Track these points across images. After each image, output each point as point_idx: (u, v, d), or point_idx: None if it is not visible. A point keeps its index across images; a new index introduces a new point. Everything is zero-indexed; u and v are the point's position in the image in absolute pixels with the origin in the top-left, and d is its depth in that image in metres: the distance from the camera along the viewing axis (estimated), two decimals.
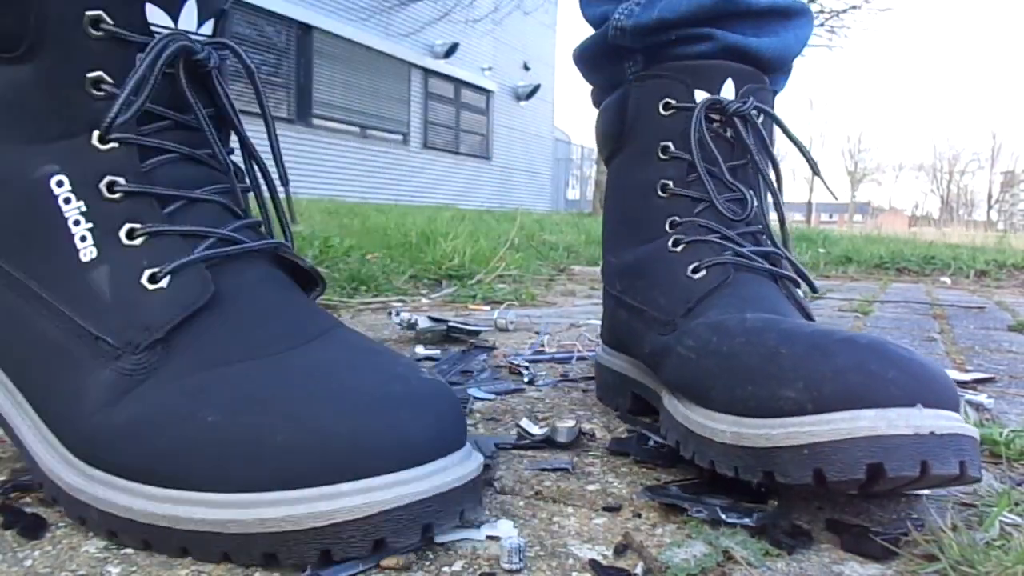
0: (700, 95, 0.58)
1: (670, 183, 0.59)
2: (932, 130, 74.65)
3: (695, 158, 0.57)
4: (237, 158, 0.48)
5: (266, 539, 0.35)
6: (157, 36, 0.42)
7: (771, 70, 0.62)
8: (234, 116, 0.47)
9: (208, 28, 0.46)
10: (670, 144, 0.59)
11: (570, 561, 0.38)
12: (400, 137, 10.88)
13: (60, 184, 0.41)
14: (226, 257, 0.43)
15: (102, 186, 0.42)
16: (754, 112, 0.58)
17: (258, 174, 0.49)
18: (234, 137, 0.48)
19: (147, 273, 0.41)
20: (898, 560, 0.39)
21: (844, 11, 13.41)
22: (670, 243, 0.58)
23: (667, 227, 0.58)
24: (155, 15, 0.43)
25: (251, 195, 0.49)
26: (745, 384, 0.44)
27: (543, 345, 1.00)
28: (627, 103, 0.62)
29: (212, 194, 0.45)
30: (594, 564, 0.37)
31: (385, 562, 0.36)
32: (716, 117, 0.58)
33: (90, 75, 0.42)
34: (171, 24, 0.43)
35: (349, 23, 9.57)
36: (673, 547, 0.39)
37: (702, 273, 0.55)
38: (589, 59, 0.68)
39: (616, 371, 0.66)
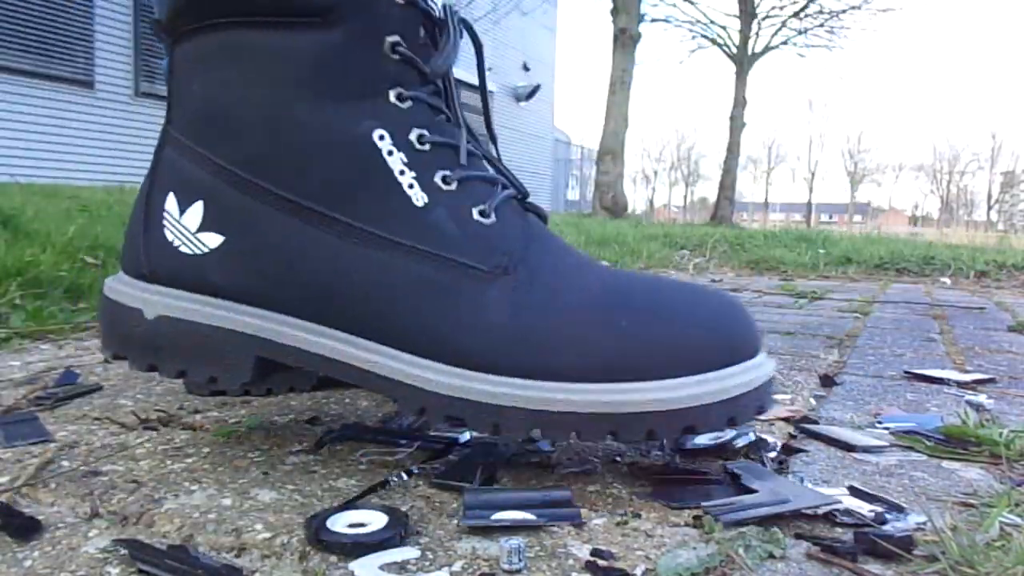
0: None
1: None
2: (932, 130, 74.62)
3: None
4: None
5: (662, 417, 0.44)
6: (435, 6, 0.47)
7: None
8: (452, 85, 0.51)
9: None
10: None
11: (570, 561, 0.38)
12: None
13: (382, 138, 0.45)
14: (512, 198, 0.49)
15: (412, 138, 0.46)
16: None
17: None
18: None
19: (475, 210, 0.46)
20: (898, 560, 0.39)
21: (844, 11, 13.43)
22: None
23: None
24: None
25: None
26: None
27: None
28: None
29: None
30: (592, 565, 0.37)
31: (391, 557, 0.36)
32: None
33: (389, 39, 0.46)
34: None
35: None
36: (673, 547, 0.39)
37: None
38: None
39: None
